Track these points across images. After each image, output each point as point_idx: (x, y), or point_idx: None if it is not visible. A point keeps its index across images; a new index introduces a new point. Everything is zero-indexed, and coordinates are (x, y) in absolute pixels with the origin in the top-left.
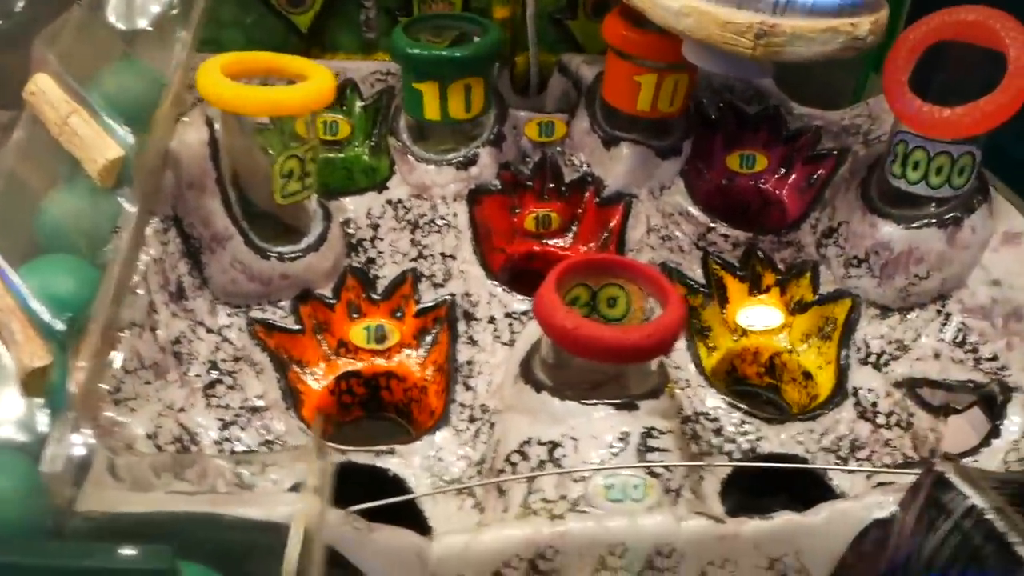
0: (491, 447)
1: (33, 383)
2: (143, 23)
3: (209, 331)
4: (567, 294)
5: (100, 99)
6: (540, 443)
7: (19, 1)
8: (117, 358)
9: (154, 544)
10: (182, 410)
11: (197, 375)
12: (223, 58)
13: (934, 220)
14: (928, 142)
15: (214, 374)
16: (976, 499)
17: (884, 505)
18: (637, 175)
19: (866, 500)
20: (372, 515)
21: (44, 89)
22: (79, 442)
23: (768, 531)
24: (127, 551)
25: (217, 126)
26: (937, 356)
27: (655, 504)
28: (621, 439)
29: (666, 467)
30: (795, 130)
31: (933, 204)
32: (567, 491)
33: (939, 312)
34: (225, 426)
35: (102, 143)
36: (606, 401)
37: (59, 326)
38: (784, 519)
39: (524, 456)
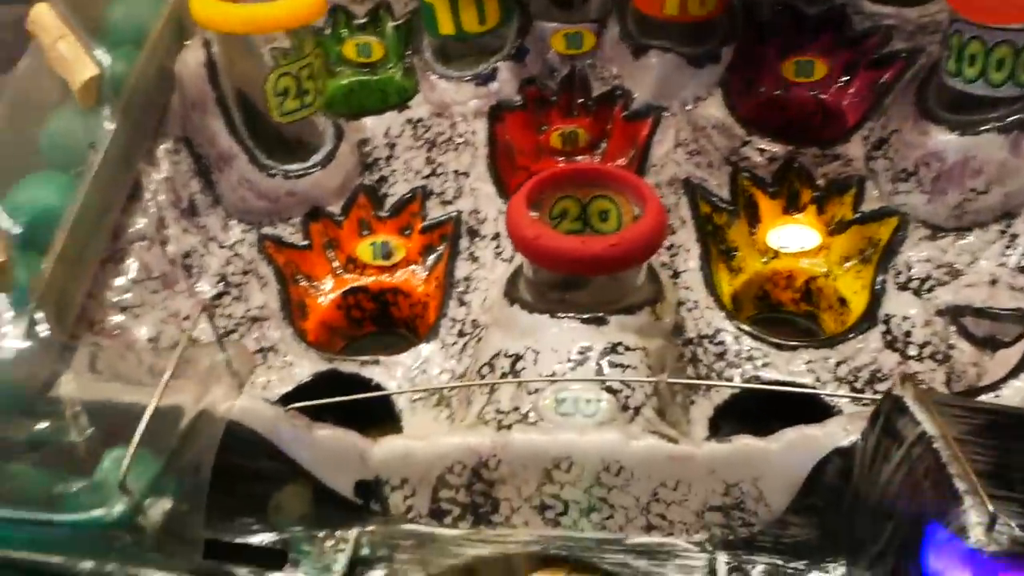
0: (472, 361)
1: None
2: None
3: (221, 246)
4: (554, 208)
5: (99, 25)
6: (507, 355)
7: None
8: (126, 269)
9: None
10: (186, 318)
11: (205, 286)
12: None
13: (994, 124)
14: (985, 30)
15: (221, 286)
16: (927, 425)
17: (846, 433)
18: (668, 85)
19: (827, 428)
20: (352, 419)
21: (41, 17)
22: (42, 333)
23: (724, 455)
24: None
25: (215, 47)
26: (994, 283)
27: (607, 420)
28: (581, 352)
29: (622, 382)
30: (862, 31)
31: (993, 106)
32: (520, 403)
33: (1003, 233)
34: (225, 334)
35: (81, 64)
36: (574, 316)
37: (16, 230)
38: (741, 443)
39: (491, 368)
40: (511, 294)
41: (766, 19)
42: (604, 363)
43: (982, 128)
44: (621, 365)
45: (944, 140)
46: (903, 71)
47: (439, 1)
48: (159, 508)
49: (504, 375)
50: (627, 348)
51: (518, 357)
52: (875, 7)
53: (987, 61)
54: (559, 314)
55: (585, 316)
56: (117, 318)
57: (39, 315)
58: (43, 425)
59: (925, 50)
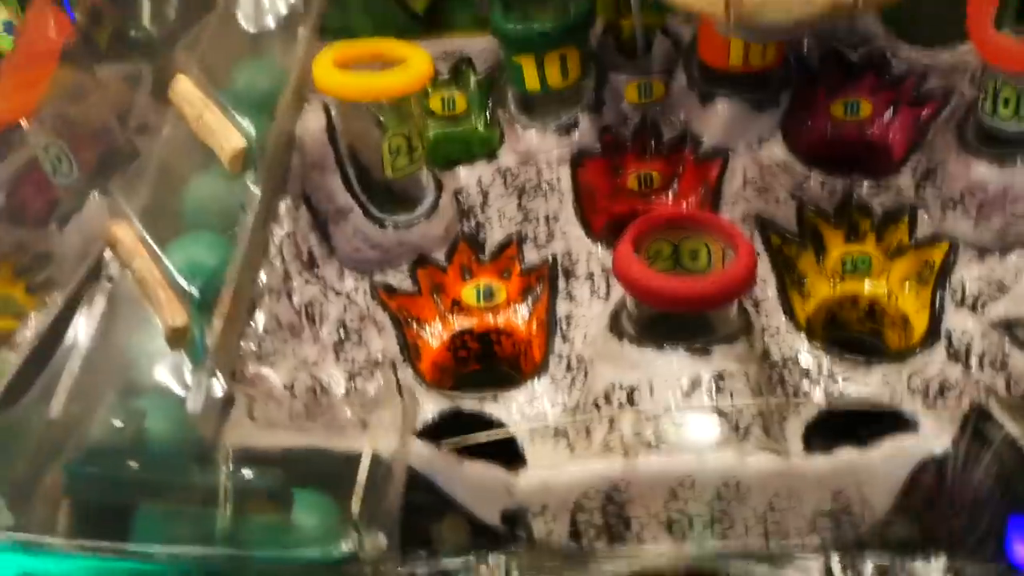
0: (583, 393)
1: (176, 340)
2: (270, 23)
3: (338, 295)
4: (649, 249)
5: (231, 95)
6: (621, 387)
7: (171, 12)
8: (259, 320)
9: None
10: (315, 364)
11: (328, 334)
12: (335, 49)
13: None
14: (1015, 78)
15: (342, 332)
16: (1011, 427)
17: (940, 440)
18: (733, 129)
19: (922, 435)
20: (479, 454)
21: (183, 90)
22: (216, 387)
23: (829, 466)
24: (247, 472)
25: (334, 111)
26: None
27: (722, 441)
28: (693, 381)
29: (733, 407)
30: (901, 72)
31: None
32: (642, 430)
33: None
34: (351, 377)
35: (229, 134)
36: (680, 347)
37: (195, 291)
38: (844, 455)
39: (608, 400)
40: (616, 329)
41: (815, 65)
42: (712, 389)
43: (1018, 160)
44: (728, 390)
45: (985, 172)
46: (940, 107)
47: (526, 61)
48: (375, 544)
49: (621, 404)
50: (730, 375)
51: (633, 388)
52: (911, 50)
53: (1019, 103)
54: (665, 347)
55: (690, 347)
56: (254, 367)
57: (217, 372)
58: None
59: (957, 88)
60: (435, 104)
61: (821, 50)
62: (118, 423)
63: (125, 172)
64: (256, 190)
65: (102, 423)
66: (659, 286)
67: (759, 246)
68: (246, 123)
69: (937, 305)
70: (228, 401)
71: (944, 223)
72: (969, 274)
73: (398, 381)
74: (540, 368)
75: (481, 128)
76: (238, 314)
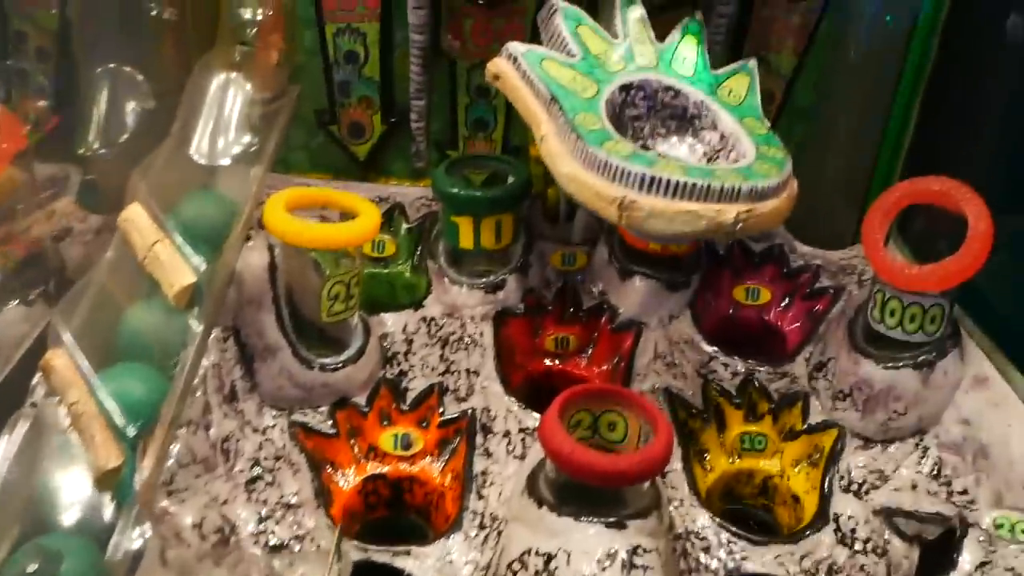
0: (496, 554)
1: (105, 481)
2: (223, 159)
3: (255, 431)
4: (571, 418)
5: (181, 224)
6: (538, 553)
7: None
8: (173, 453)
9: None
10: (225, 503)
11: (241, 471)
12: (288, 193)
13: (910, 362)
14: (902, 293)
15: (256, 470)
16: None
17: None
18: (648, 305)
19: None
20: None
21: (135, 217)
22: (138, 534)
23: None
24: None
25: (277, 251)
26: (914, 487)
27: None
28: (609, 555)
29: None
30: (797, 267)
31: (909, 347)
32: None
33: (916, 446)
34: (262, 520)
35: (179, 270)
36: (598, 519)
37: (131, 432)
38: None
39: (523, 565)
40: (535, 494)
41: (723, 252)
42: (628, 563)
43: (901, 364)
44: (643, 566)
45: (871, 371)
46: (831, 304)
47: (464, 221)
48: None
49: (538, 572)
50: (644, 550)
51: (551, 556)
52: (806, 248)
53: (903, 315)
54: (583, 518)
55: (606, 521)
56: (164, 502)
57: (144, 519)
58: None
59: (847, 288)
60: (365, 246)
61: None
62: (31, 567)
63: (48, 286)
64: (198, 326)
65: (14, 565)
66: (585, 460)
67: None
68: (197, 257)
69: (826, 488)
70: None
71: (834, 412)
72: (855, 461)
73: (339, 544)
74: (454, 524)
75: (407, 273)
76: (167, 454)
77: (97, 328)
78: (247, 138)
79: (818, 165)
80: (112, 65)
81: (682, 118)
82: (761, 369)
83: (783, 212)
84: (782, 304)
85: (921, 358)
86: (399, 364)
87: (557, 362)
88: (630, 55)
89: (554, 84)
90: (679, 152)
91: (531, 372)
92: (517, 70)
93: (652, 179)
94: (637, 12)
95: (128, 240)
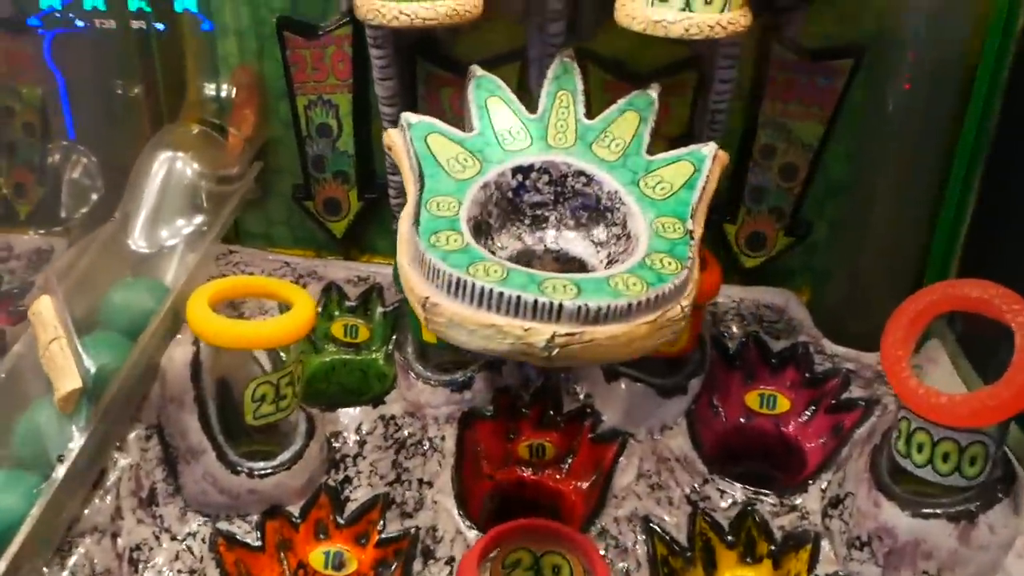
0: None
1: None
2: (168, 242)
3: (173, 538)
4: (508, 556)
5: (103, 316)
6: None
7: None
8: (69, 564)
9: None
10: None
11: None
12: (216, 285)
13: (944, 511)
14: (930, 425)
15: None
16: None
17: None
18: (635, 413)
19: None
20: None
21: (43, 311)
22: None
23: None
24: None
25: (203, 346)
26: None
27: None
28: None
29: None
30: (823, 372)
31: (946, 492)
32: None
33: None
34: None
35: (67, 373)
36: None
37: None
38: None
39: None
40: None
41: (734, 350)
42: None
43: (932, 512)
44: None
45: (896, 517)
46: (861, 419)
47: None
48: None
49: None
50: None
51: None
52: (837, 348)
53: (934, 451)
54: None
55: None
56: None
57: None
58: None
59: (881, 401)
60: (337, 330)
61: (743, 333)
62: None
63: None
64: (80, 439)
65: None
66: None
67: (642, 554)
68: (97, 358)
69: None
70: None
71: (848, 563)
72: None
73: None
74: None
75: (381, 361)
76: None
77: None
78: (190, 223)
79: (854, 248)
80: (64, 143)
81: (595, 209)
82: (765, 499)
83: (636, 342)
84: (803, 415)
85: (959, 507)
86: (345, 469)
87: (531, 472)
88: (542, 132)
89: (428, 160)
90: (577, 249)
91: (500, 482)
92: (404, 141)
93: (459, 282)
94: (572, 83)
95: (34, 334)
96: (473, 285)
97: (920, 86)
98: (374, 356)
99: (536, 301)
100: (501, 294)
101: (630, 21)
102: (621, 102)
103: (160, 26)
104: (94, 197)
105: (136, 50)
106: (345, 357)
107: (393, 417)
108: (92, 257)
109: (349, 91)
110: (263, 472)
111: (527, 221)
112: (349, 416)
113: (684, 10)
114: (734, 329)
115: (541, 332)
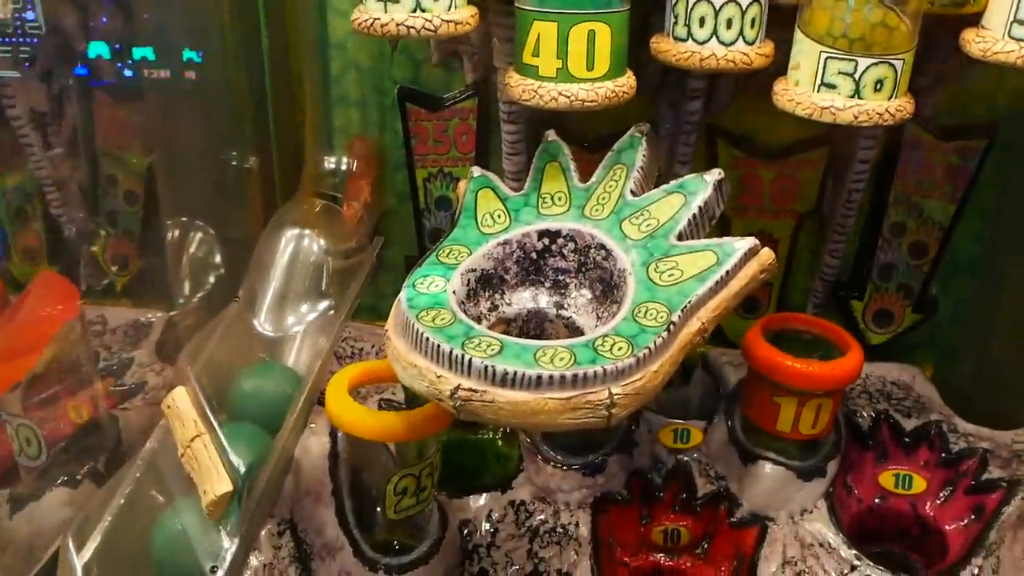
0: None
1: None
2: (296, 325)
3: None
4: None
5: (234, 405)
6: None
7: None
8: None
9: None
10: None
11: None
12: (354, 370)
13: None
14: None
15: None
16: None
17: None
18: (776, 497)
19: None
20: None
21: (179, 404)
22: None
23: None
24: None
25: (340, 436)
26: None
27: None
28: None
29: None
30: (959, 452)
31: None
32: None
33: None
34: None
35: (215, 476)
36: None
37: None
38: None
39: None
40: None
41: (867, 428)
42: None
43: None
44: None
45: None
46: (1004, 500)
47: None
48: None
49: None
50: None
51: None
52: (968, 426)
53: None
54: None
55: None
56: None
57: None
58: None
59: (1023, 482)
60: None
61: (873, 412)
62: None
63: (98, 463)
64: (229, 544)
65: None
66: None
67: None
68: (240, 455)
69: None
70: None
71: None
72: None
73: None
74: None
75: (500, 442)
76: None
77: (121, 539)
78: (318, 304)
79: (983, 326)
80: (184, 218)
81: (608, 284)
82: None
83: (543, 415)
84: (940, 496)
85: None
86: (480, 560)
87: (666, 559)
88: (582, 202)
89: (468, 211)
90: (581, 320)
91: (635, 569)
92: (462, 191)
93: (406, 322)
94: (631, 158)
95: (171, 427)
96: (413, 327)
97: None
98: (492, 435)
99: (451, 352)
100: (427, 339)
101: (794, 106)
102: (672, 184)
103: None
104: (211, 276)
105: (250, 119)
106: (463, 437)
107: (523, 503)
108: (218, 341)
109: (472, 164)
110: (401, 567)
111: (547, 284)
112: (479, 503)
113: (854, 96)
114: (863, 407)
115: (448, 382)
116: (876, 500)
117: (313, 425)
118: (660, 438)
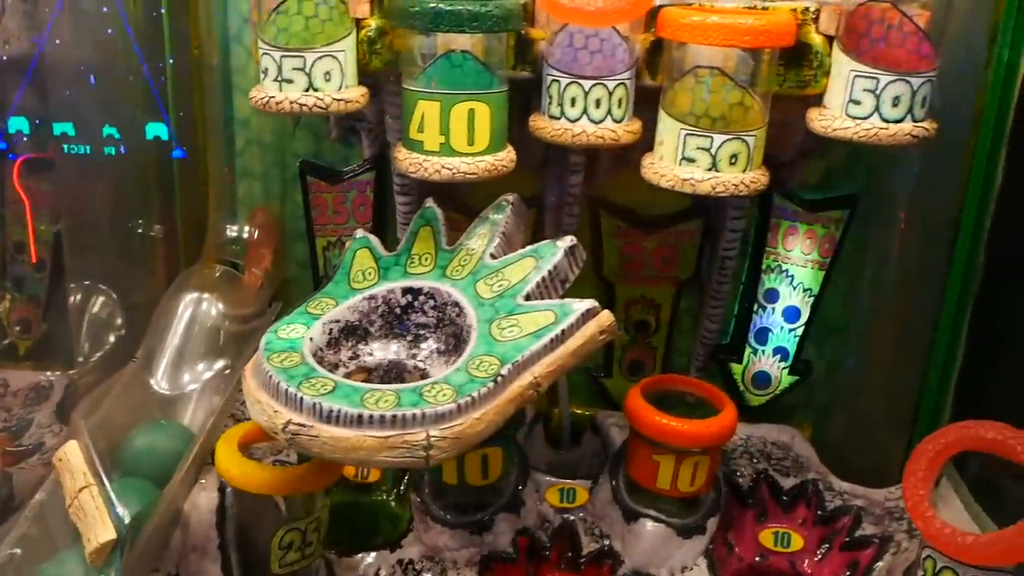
0: None
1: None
2: (191, 384)
3: None
4: None
5: (126, 460)
6: None
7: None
8: None
9: None
10: None
11: None
12: (245, 426)
13: None
14: (957, 564)
15: None
16: None
17: None
18: (657, 554)
19: None
20: None
21: (70, 457)
22: None
23: None
24: None
25: (229, 492)
26: None
27: None
28: None
29: None
30: (834, 509)
31: None
32: None
33: None
34: None
35: (100, 525)
36: None
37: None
38: None
39: None
40: None
41: (746, 487)
42: None
43: None
44: None
45: None
46: (876, 556)
47: None
48: None
49: None
50: None
51: None
52: (845, 485)
53: None
54: None
55: None
56: None
57: None
58: None
59: (894, 538)
60: (348, 470)
61: (753, 471)
62: None
63: None
64: None
65: None
66: None
67: None
68: (127, 506)
69: None
70: None
71: None
72: None
73: None
74: None
75: (392, 504)
76: None
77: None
78: (214, 364)
79: (854, 387)
80: (87, 282)
81: (459, 338)
82: None
83: (363, 452)
84: (818, 553)
85: None
86: None
87: None
88: (446, 262)
89: (343, 269)
90: (435, 372)
91: None
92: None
93: (258, 362)
94: (496, 222)
95: (59, 480)
96: (263, 366)
97: (911, 234)
98: (385, 497)
99: (287, 389)
100: (271, 377)
101: (659, 179)
102: (528, 248)
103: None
104: (112, 337)
105: (157, 188)
106: (355, 499)
107: (412, 561)
108: (114, 399)
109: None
110: None
111: (409, 337)
112: (366, 562)
113: (711, 169)
114: (744, 466)
115: (282, 416)
116: (756, 558)
117: (203, 481)
118: (547, 497)
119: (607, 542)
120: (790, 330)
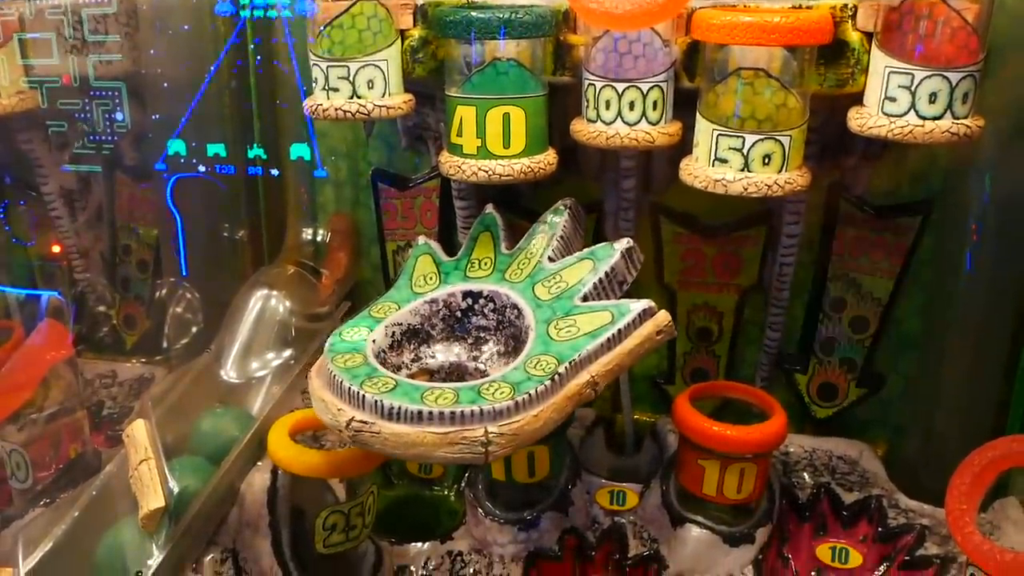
0: None
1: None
2: (257, 374)
3: None
4: None
5: (193, 442)
6: None
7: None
8: None
9: None
10: None
11: None
12: (297, 415)
13: None
14: None
15: None
16: None
17: None
18: (701, 561)
19: None
20: None
21: (135, 434)
22: None
23: None
24: None
25: (280, 474)
26: None
27: None
28: None
29: None
30: (897, 527)
31: None
32: None
33: None
34: None
35: (152, 493)
36: None
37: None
38: None
39: None
40: None
41: (804, 500)
42: None
43: None
44: None
45: None
46: None
47: None
48: None
49: None
50: None
51: None
52: (910, 502)
53: None
54: None
55: None
56: None
57: None
58: None
59: (957, 559)
60: (412, 465)
61: (814, 484)
62: None
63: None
64: (159, 555)
65: None
66: None
67: None
68: (181, 480)
69: None
70: None
71: None
72: None
73: None
74: None
75: (452, 498)
76: None
77: (75, 545)
78: (280, 356)
79: (929, 403)
80: (172, 279)
81: (518, 340)
82: None
83: (422, 448)
84: (876, 572)
85: None
86: None
87: None
88: (504, 266)
89: (405, 274)
90: (494, 373)
91: None
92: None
93: (323, 363)
94: (555, 226)
95: (127, 455)
96: (328, 367)
97: (988, 241)
98: (446, 492)
99: (349, 387)
100: (335, 376)
101: (692, 180)
102: (585, 250)
103: (275, 172)
104: (193, 330)
105: (243, 197)
106: (418, 493)
107: (460, 553)
108: (186, 386)
109: (436, 238)
110: None
111: (470, 340)
112: (417, 550)
113: (743, 170)
114: (806, 479)
115: (345, 414)
116: (812, 573)
117: (260, 464)
118: (597, 499)
119: (655, 546)
120: (858, 340)
